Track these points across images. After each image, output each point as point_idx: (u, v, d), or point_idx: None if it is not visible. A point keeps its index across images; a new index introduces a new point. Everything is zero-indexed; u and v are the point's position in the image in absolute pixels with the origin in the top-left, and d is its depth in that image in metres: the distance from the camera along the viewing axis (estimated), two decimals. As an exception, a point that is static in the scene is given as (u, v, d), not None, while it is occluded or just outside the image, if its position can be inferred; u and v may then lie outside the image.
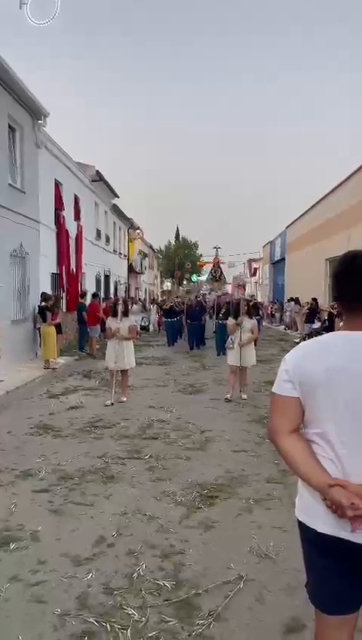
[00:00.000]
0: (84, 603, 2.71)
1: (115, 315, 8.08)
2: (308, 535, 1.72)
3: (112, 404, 7.74)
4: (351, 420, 1.59)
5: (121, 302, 8.19)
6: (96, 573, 3.01)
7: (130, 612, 2.61)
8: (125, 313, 8.12)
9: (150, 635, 2.44)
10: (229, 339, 8.36)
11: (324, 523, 1.64)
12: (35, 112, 12.95)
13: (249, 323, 8.33)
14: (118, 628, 2.48)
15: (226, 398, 8.09)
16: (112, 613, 2.61)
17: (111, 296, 20.04)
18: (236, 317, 8.40)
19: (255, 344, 13.96)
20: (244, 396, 8.22)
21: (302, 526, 1.76)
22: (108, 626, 2.50)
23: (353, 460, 1.60)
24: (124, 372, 8.18)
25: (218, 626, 2.52)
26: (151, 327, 22.32)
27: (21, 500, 4.12)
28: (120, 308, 8.00)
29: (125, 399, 8.05)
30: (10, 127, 11.78)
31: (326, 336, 1.74)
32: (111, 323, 8.11)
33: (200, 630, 2.47)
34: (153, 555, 3.22)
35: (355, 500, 1.51)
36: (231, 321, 8.48)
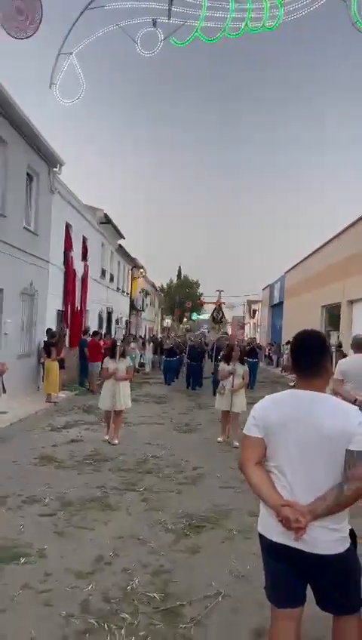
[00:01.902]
0: (86, 608, 3.20)
1: (112, 356, 8.20)
2: (265, 544, 2.28)
3: (110, 439, 7.99)
4: (298, 456, 2.18)
5: (120, 343, 8.29)
6: (96, 585, 3.50)
7: (124, 616, 3.11)
8: (123, 354, 8.26)
9: (141, 634, 2.93)
10: (221, 384, 8.48)
11: (277, 534, 2.20)
12: (51, 161, 13.92)
13: (241, 369, 8.41)
14: (115, 628, 2.98)
15: (218, 441, 8.36)
16: (109, 617, 3.10)
17: (110, 334, 20.65)
18: (228, 362, 8.48)
19: (251, 387, 14.47)
20: (236, 443, 8.06)
21: (261, 537, 2.31)
22: (106, 626, 3.00)
23: (299, 487, 2.17)
24: (118, 413, 8.19)
25: (198, 630, 3.01)
26: (147, 367, 21.85)
27: (28, 522, 4.61)
28: (118, 349, 8.12)
29: (117, 442, 7.99)
30: (28, 174, 12.70)
31: (281, 393, 2.35)
32: (108, 363, 8.20)
33: (182, 632, 2.96)
34: (145, 573, 3.71)
35: (299, 516, 2.08)
36: (223, 367, 8.55)
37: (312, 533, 2.11)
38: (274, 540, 2.22)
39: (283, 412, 2.23)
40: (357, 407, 2.26)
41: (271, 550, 2.26)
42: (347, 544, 2.19)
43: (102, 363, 10.37)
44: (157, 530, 4.54)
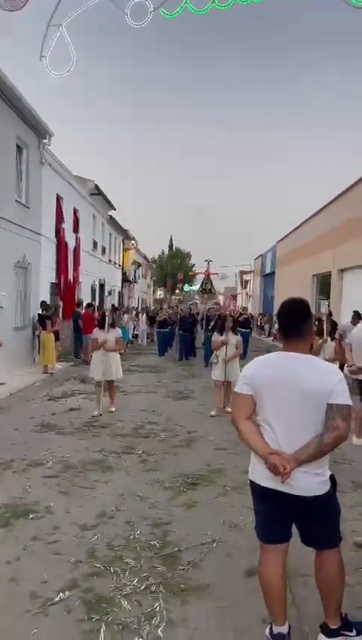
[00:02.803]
0: (92, 555, 3.50)
1: (102, 326, 8.18)
2: (256, 489, 2.55)
3: (100, 414, 7.91)
4: (284, 410, 2.42)
5: (108, 314, 8.29)
6: (101, 535, 3.80)
7: (128, 561, 3.41)
8: (112, 325, 8.26)
9: (143, 575, 3.23)
10: (214, 354, 8.55)
11: (265, 479, 2.46)
12: (41, 132, 13.81)
13: (234, 339, 8.44)
14: (120, 571, 3.28)
15: (212, 415, 8.20)
16: (114, 562, 3.40)
17: (103, 306, 20.80)
18: (221, 333, 8.51)
19: (243, 357, 14.77)
20: (229, 409, 7.98)
21: (251, 483, 2.58)
22: (111, 569, 3.30)
23: (285, 438, 2.43)
24: (111, 383, 8.30)
25: (195, 571, 3.32)
26: (140, 339, 21.99)
27: (34, 483, 4.90)
28: (107, 320, 8.13)
29: (114, 409, 8.20)
30: (17, 146, 12.62)
31: (269, 355, 2.58)
32: (98, 334, 8.14)
33: (181, 573, 3.27)
34: (145, 525, 4.02)
35: (285, 463, 2.33)
36: (216, 337, 8.58)
37: (296, 477, 2.37)
38: (263, 484, 2.49)
39: (270, 372, 2.47)
40: (336, 367, 2.50)
41: (261, 494, 2.53)
42: (327, 487, 2.47)
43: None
44: (155, 488, 4.84)
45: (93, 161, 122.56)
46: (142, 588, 3.09)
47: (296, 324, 2.53)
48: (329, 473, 2.51)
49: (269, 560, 2.55)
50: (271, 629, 2.55)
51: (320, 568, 2.59)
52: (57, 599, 2.96)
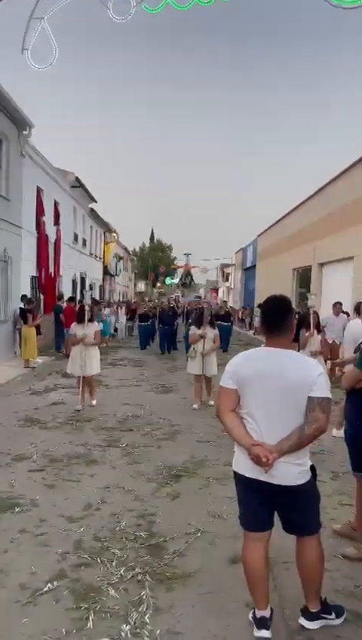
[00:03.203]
0: (79, 546, 3.57)
1: (80, 321, 8.10)
2: (240, 479, 2.65)
3: (83, 407, 7.93)
4: (266, 403, 2.52)
5: (87, 308, 8.15)
6: (87, 527, 3.87)
7: (114, 551, 3.49)
8: (90, 319, 8.17)
9: (130, 564, 3.32)
10: (191, 348, 8.50)
11: (249, 470, 2.56)
12: (21, 124, 13.65)
13: (211, 333, 8.41)
14: (106, 561, 3.35)
15: (194, 408, 8.22)
16: (101, 552, 3.48)
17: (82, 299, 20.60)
18: (199, 327, 8.44)
19: (225, 350, 14.90)
20: (211, 402, 8.37)
21: (235, 474, 2.68)
22: (98, 559, 3.37)
23: (267, 430, 2.52)
24: (90, 377, 8.21)
25: (180, 559, 3.41)
26: (119, 333, 21.35)
27: (19, 477, 4.94)
28: (86, 314, 8.03)
29: (94, 402, 8.19)
30: (-3, 138, 12.47)
31: (252, 350, 2.68)
32: (76, 329, 8.08)
33: (166, 562, 3.37)
34: (131, 516, 4.10)
35: (267, 454, 2.43)
36: (193, 330, 8.51)
37: (278, 467, 2.47)
38: (246, 475, 2.59)
39: (254, 366, 2.56)
40: (316, 361, 2.62)
41: (244, 484, 2.63)
42: (308, 477, 2.57)
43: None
44: (140, 481, 4.93)
45: (75, 152, 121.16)
46: (129, 577, 3.17)
47: (278, 320, 2.62)
48: (309, 463, 2.62)
49: (252, 547, 2.66)
50: (254, 613, 2.66)
51: (300, 554, 2.70)
52: (46, 589, 3.02)
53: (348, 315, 11.07)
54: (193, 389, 8.71)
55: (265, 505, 2.62)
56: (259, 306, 3.53)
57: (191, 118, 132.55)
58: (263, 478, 2.52)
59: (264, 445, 2.47)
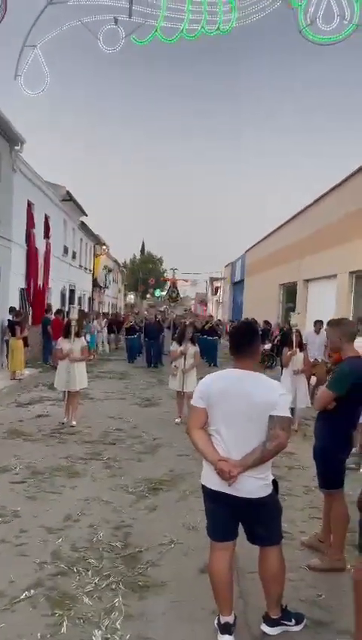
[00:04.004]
0: (57, 556, 3.72)
1: (67, 335, 8.07)
2: (206, 492, 2.84)
3: (67, 421, 7.90)
4: (232, 421, 2.72)
5: (73, 323, 8.08)
6: (65, 538, 4.02)
7: (90, 561, 3.64)
8: (77, 334, 8.13)
9: (105, 574, 3.47)
10: (173, 365, 8.50)
11: (215, 483, 2.75)
12: (13, 139, 13.89)
13: (192, 349, 8.42)
14: (82, 570, 3.51)
15: (176, 422, 8.28)
16: (78, 562, 3.63)
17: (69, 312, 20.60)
18: (180, 343, 8.43)
19: (215, 364, 15.02)
20: None
21: (203, 487, 2.87)
22: (75, 569, 3.52)
23: (232, 446, 2.72)
24: (73, 394, 8.06)
25: (153, 569, 3.58)
26: (101, 347, 20.19)
27: (1, 489, 5.07)
28: (72, 329, 8.01)
29: (74, 423, 7.89)
30: (-11, 153, 12.68)
31: (222, 371, 2.88)
32: (63, 344, 8.03)
33: (140, 571, 3.53)
34: (108, 527, 4.26)
35: (232, 469, 2.63)
36: (175, 347, 8.52)
37: (242, 481, 2.67)
38: (213, 488, 2.78)
39: (221, 386, 2.77)
40: (278, 383, 2.83)
41: (211, 496, 2.82)
42: (269, 490, 2.77)
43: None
44: (119, 493, 5.08)
45: (65, 166, 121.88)
46: (103, 585, 3.33)
47: (244, 344, 2.84)
48: (271, 477, 2.82)
49: (218, 556, 2.84)
50: (218, 619, 2.84)
51: (262, 564, 2.88)
52: (23, 597, 3.17)
53: None
54: (176, 404, 8.75)
55: (230, 516, 2.81)
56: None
57: (182, 132, 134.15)
58: (228, 490, 2.71)
59: (229, 460, 2.67)
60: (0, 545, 3.88)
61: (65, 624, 2.89)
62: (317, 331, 11.37)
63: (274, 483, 2.83)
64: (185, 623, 2.97)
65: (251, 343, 2.84)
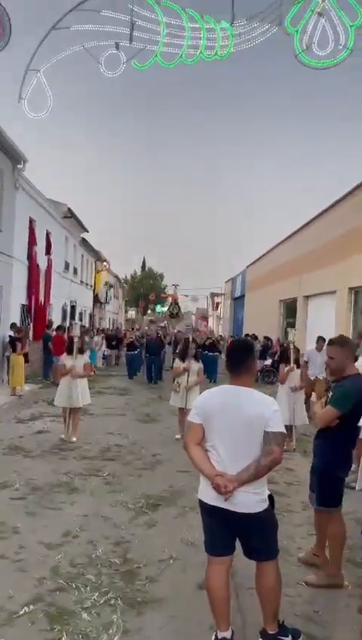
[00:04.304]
0: (56, 572, 3.75)
1: (70, 352, 8.09)
2: (203, 507, 2.88)
3: (64, 440, 7.83)
4: (228, 437, 2.78)
5: (75, 339, 8.11)
6: (65, 554, 4.05)
7: (89, 577, 3.67)
8: (80, 350, 8.16)
9: (103, 589, 3.50)
10: (175, 381, 8.44)
11: (212, 498, 2.80)
12: (16, 158, 14.12)
13: (196, 366, 8.34)
14: (81, 586, 3.53)
15: (177, 438, 8.21)
16: (77, 578, 3.66)
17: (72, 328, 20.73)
18: (183, 359, 8.38)
19: (214, 380, 14.97)
20: None
21: (200, 502, 2.92)
22: (73, 585, 3.55)
23: (229, 461, 2.78)
24: (75, 410, 8.07)
25: (152, 585, 3.60)
26: (99, 362, 20.08)
27: (1, 505, 5.09)
28: (75, 345, 8.02)
29: (75, 439, 7.87)
30: (-8, 171, 12.90)
31: (216, 388, 2.95)
32: (65, 360, 8.05)
33: (139, 587, 3.55)
34: (107, 543, 4.28)
35: (228, 483, 2.68)
36: (178, 364, 8.47)
37: (238, 496, 2.71)
38: (210, 502, 2.83)
39: (217, 402, 2.83)
40: (273, 399, 2.89)
41: (208, 511, 2.87)
42: (265, 505, 2.82)
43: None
44: (118, 509, 5.11)
45: (67, 183, 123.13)
46: (102, 601, 3.35)
47: (239, 361, 2.91)
48: (267, 492, 2.86)
49: (215, 570, 2.87)
50: (216, 634, 2.86)
51: (259, 579, 2.92)
52: (22, 612, 3.19)
53: None
54: (178, 421, 8.61)
55: (227, 531, 2.85)
56: (247, 335, 3.75)
57: (183, 149, 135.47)
58: (224, 505, 2.75)
59: (225, 475, 2.72)
60: (-1, 561, 3.90)
61: (64, 639, 2.91)
62: (319, 349, 11.02)
63: (271, 498, 2.88)
64: (182, 639, 2.99)
65: (246, 361, 2.92)
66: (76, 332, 8.54)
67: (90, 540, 4.32)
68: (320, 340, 11.20)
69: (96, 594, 3.44)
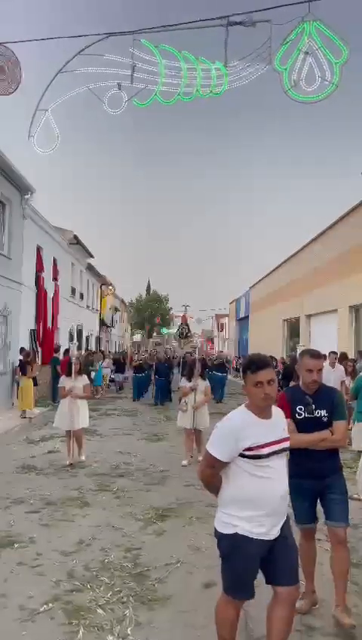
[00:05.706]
0: (72, 575, 4.02)
1: (69, 374, 7.98)
2: (249, 543, 2.59)
3: (72, 464, 7.73)
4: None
5: (73, 360, 8.03)
6: (79, 560, 4.32)
7: (103, 579, 3.93)
8: (79, 372, 8.09)
9: (116, 589, 3.76)
10: (182, 401, 8.29)
11: (259, 533, 2.59)
12: (23, 189, 14.71)
13: (202, 385, 8.24)
14: (95, 587, 3.80)
15: (183, 464, 7.91)
16: (91, 580, 3.92)
17: (80, 351, 21.05)
18: (190, 379, 8.26)
19: (220, 400, 15.11)
20: (200, 458, 7.08)
21: (242, 537, 2.60)
22: (88, 586, 3.82)
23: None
24: (77, 431, 8.01)
25: (161, 585, 3.86)
26: (103, 384, 19.73)
27: (17, 518, 5.37)
28: (74, 367, 7.94)
29: (83, 457, 7.99)
30: (0, 202, 13.45)
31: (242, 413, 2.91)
32: (65, 382, 7.95)
33: (149, 587, 3.81)
34: (119, 550, 4.54)
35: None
36: (184, 383, 8.35)
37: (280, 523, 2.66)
38: (257, 538, 2.59)
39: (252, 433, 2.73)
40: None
41: (246, 548, 2.60)
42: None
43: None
44: (128, 520, 5.37)
45: (73, 207, 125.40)
46: (115, 599, 3.61)
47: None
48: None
49: (230, 610, 2.72)
50: None
51: (274, 610, 2.71)
52: (42, 610, 3.46)
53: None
54: (184, 441, 8.45)
55: (256, 566, 2.66)
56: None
57: (189, 171, 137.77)
58: (266, 537, 2.60)
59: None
60: (18, 566, 4.17)
61: (81, 632, 3.18)
62: (332, 364, 10.41)
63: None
64: (189, 629, 3.24)
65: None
66: (73, 352, 8.58)
67: (102, 548, 4.59)
68: (332, 354, 10.65)
69: (110, 593, 3.70)
